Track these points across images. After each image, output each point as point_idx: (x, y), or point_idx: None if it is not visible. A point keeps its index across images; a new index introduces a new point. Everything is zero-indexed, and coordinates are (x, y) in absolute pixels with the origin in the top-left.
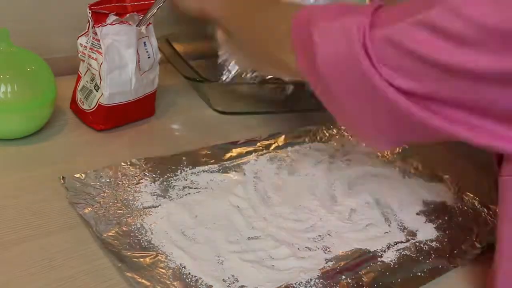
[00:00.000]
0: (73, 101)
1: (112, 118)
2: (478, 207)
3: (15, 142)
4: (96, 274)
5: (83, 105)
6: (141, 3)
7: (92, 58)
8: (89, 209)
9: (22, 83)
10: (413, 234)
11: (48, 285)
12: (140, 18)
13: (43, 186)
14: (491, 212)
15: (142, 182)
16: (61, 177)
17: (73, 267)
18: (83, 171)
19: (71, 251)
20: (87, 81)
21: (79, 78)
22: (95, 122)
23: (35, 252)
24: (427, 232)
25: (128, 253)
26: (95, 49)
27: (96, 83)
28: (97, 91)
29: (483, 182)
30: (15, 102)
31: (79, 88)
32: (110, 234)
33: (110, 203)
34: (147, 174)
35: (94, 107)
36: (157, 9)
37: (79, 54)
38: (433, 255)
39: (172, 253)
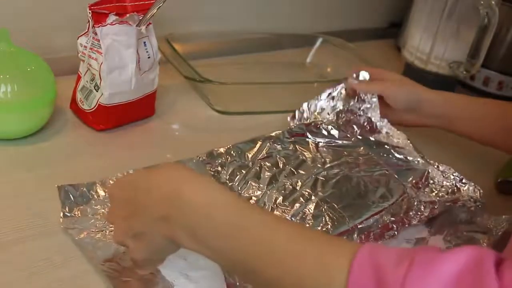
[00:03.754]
0: (73, 101)
1: (112, 118)
2: None
3: (15, 142)
4: (97, 274)
5: (83, 105)
6: (141, 3)
7: (92, 58)
8: (85, 233)
9: (22, 83)
10: None
11: (48, 285)
12: (140, 18)
13: (43, 186)
14: None
15: None
16: (56, 186)
17: (73, 267)
18: (83, 171)
19: (72, 251)
20: (87, 81)
21: (79, 78)
22: (95, 122)
23: (35, 252)
24: None
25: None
26: (95, 49)
27: (96, 83)
28: (97, 91)
29: None
30: (15, 102)
31: (79, 88)
32: (108, 260)
33: (107, 224)
34: None
35: (94, 107)
36: (157, 9)
37: (79, 54)
38: None
39: (174, 281)
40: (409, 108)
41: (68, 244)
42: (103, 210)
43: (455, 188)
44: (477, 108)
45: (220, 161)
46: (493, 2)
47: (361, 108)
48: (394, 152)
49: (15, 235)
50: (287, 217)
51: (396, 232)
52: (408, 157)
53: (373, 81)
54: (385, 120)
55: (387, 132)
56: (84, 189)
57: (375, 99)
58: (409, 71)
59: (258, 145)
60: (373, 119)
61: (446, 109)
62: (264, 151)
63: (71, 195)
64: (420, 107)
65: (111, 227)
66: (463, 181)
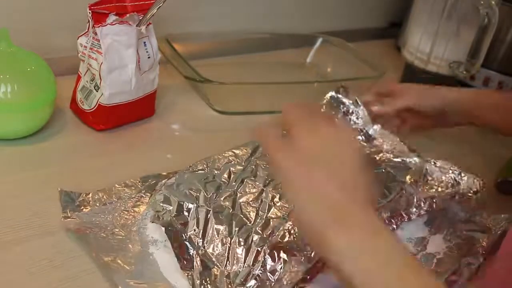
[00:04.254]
0: (73, 101)
1: (112, 118)
2: None
3: (15, 142)
4: (97, 274)
5: (83, 105)
6: (141, 3)
7: (92, 58)
8: (87, 232)
9: (22, 83)
10: None
11: (49, 284)
12: (140, 18)
13: (43, 186)
14: None
15: (140, 206)
16: (58, 190)
17: (73, 267)
18: (83, 171)
19: (72, 251)
20: (87, 81)
21: (79, 78)
22: (95, 122)
23: (35, 252)
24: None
25: (132, 283)
26: (95, 49)
27: (96, 83)
28: (97, 91)
29: None
30: (15, 102)
31: (79, 88)
32: (109, 259)
33: (109, 228)
34: (143, 196)
35: (94, 107)
36: (157, 9)
37: (79, 54)
38: None
39: (177, 283)
40: (439, 111)
41: (68, 244)
42: (103, 216)
43: (454, 181)
44: (497, 97)
45: (216, 165)
46: (493, 2)
47: (351, 121)
48: (391, 157)
49: (15, 235)
50: (285, 214)
51: (395, 227)
52: (405, 159)
53: (396, 96)
54: (378, 126)
55: (380, 138)
56: (84, 195)
57: (361, 110)
58: (409, 71)
59: (253, 146)
60: (363, 127)
61: (473, 105)
62: (260, 150)
63: (71, 199)
64: (449, 107)
65: (117, 230)
66: (462, 173)
